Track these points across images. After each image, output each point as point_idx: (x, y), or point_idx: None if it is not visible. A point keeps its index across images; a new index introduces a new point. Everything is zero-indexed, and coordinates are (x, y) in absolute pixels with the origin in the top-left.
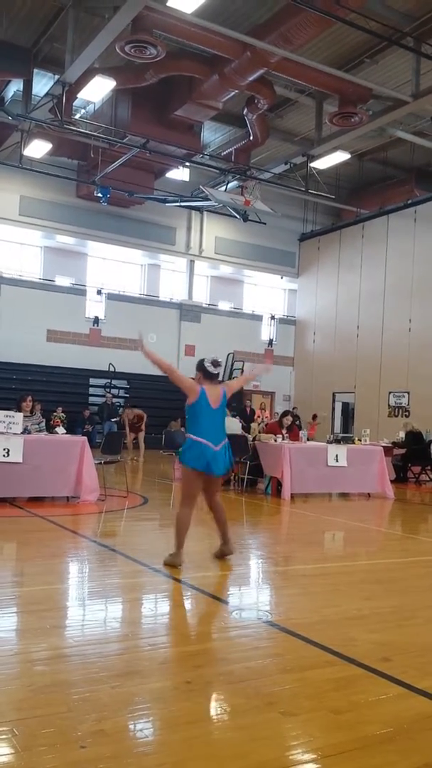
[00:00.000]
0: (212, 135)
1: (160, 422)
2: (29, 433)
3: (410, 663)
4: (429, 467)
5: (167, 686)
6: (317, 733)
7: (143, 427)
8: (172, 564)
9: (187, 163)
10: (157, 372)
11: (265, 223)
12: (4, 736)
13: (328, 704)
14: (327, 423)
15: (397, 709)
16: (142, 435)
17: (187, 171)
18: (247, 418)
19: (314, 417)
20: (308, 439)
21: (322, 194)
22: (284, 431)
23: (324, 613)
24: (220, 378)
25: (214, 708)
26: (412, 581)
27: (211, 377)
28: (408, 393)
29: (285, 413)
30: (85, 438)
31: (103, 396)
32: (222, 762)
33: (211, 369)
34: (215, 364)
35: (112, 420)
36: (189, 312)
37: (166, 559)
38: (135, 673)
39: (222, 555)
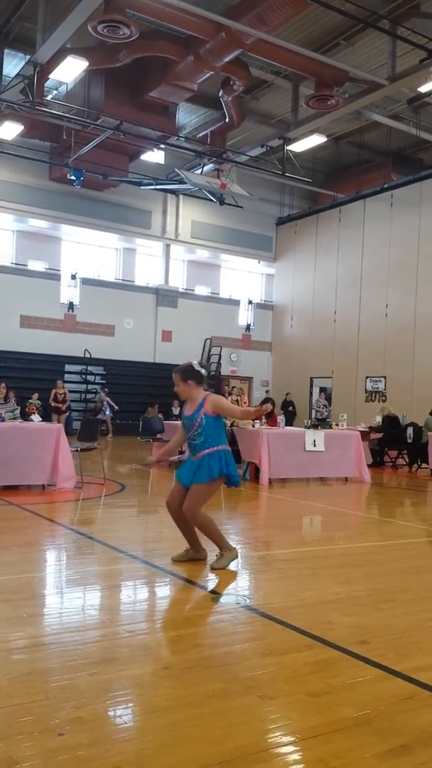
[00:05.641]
0: (187, 117)
1: (136, 408)
2: (3, 420)
3: (387, 645)
4: (405, 451)
5: (146, 672)
6: (295, 716)
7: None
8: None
9: (162, 146)
10: (133, 358)
11: (241, 207)
12: None
13: (306, 687)
14: (305, 407)
15: (375, 691)
16: (64, 417)
17: (162, 153)
18: None
19: None
20: None
21: (299, 178)
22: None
23: (302, 597)
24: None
25: (193, 693)
26: (389, 565)
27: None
28: (384, 378)
29: (266, 400)
30: (60, 425)
31: (82, 383)
32: (201, 747)
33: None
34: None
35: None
36: (166, 297)
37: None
38: (113, 659)
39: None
